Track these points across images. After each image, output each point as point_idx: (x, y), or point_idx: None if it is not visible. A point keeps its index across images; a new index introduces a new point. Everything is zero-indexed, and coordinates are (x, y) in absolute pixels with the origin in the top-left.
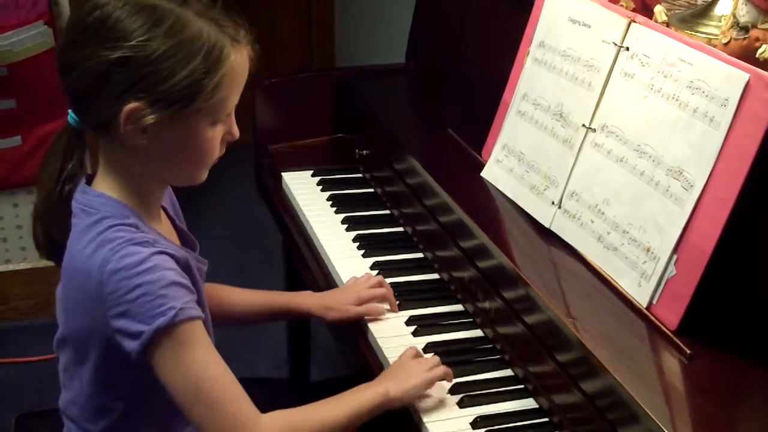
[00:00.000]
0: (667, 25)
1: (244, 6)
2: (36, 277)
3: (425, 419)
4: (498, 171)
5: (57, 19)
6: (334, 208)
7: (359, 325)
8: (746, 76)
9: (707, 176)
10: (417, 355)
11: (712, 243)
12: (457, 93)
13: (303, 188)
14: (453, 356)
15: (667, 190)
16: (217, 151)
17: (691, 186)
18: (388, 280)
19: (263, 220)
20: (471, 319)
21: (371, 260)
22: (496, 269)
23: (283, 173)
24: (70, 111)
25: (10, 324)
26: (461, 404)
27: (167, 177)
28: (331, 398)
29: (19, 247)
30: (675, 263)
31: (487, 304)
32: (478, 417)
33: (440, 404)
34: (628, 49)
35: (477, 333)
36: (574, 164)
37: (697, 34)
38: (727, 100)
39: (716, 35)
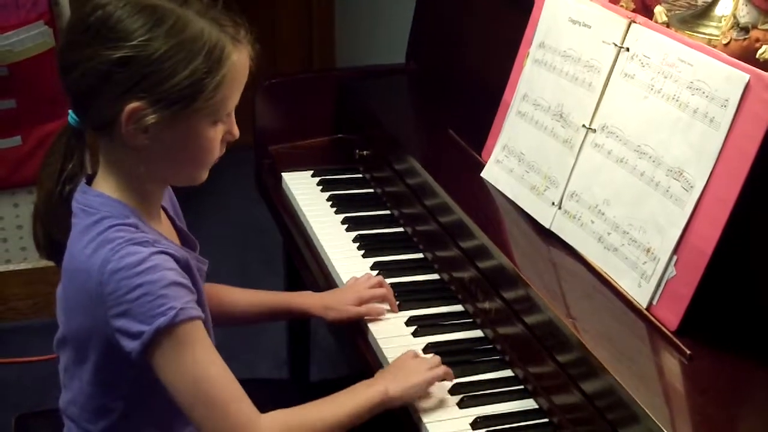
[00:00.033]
0: (668, 26)
1: (244, 6)
2: (36, 277)
3: (425, 419)
4: (498, 171)
5: (57, 19)
6: (334, 209)
7: (359, 326)
8: (746, 76)
9: (707, 177)
10: (417, 356)
11: (712, 244)
12: (457, 93)
13: (303, 188)
14: (453, 357)
15: (667, 191)
16: (217, 151)
17: (692, 186)
18: (388, 281)
19: (263, 221)
20: (471, 320)
21: (371, 260)
22: (496, 270)
23: (283, 173)
24: (70, 111)
25: (10, 324)
26: (461, 404)
27: (167, 177)
28: (330, 397)
29: (19, 247)
30: (675, 264)
31: (487, 305)
32: (478, 417)
33: (440, 404)
34: (628, 49)
35: (477, 333)
36: (574, 165)
37: (698, 34)
38: (727, 100)
39: (716, 36)
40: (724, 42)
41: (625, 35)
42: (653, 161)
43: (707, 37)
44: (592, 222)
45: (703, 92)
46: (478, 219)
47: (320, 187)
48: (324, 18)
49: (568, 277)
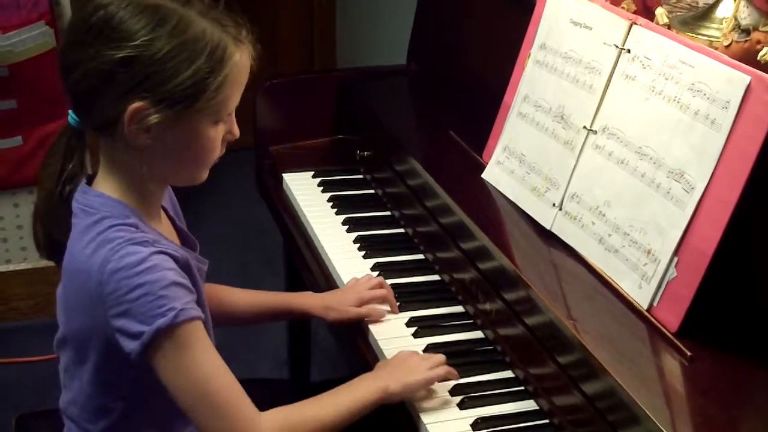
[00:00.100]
0: (669, 28)
1: (245, 6)
2: (36, 277)
3: (425, 420)
4: (499, 172)
5: (58, 19)
6: (335, 209)
7: (360, 326)
8: (747, 78)
9: (708, 178)
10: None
11: (713, 245)
12: (458, 94)
13: (304, 189)
14: (453, 358)
15: (668, 192)
16: (218, 151)
17: (692, 188)
18: (389, 282)
19: (264, 221)
20: (471, 321)
21: (372, 261)
22: (497, 271)
23: (283, 174)
24: (70, 111)
25: (10, 324)
26: (462, 405)
27: (168, 177)
28: (330, 393)
29: (19, 247)
30: (676, 265)
31: (487, 306)
32: (478, 418)
33: (440, 405)
34: (629, 51)
35: (477, 334)
36: (575, 166)
37: (699, 36)
38: (728, 102)
39: (718, 38)
40: (726, 44)
41: (627, 37)
42: (654, 163)
43: (708, 38)
44: (593, 223)
45: (704, 94)
46: (479, 220)
47: (321, 188)
48: (325, 18)
49: (568, 278)
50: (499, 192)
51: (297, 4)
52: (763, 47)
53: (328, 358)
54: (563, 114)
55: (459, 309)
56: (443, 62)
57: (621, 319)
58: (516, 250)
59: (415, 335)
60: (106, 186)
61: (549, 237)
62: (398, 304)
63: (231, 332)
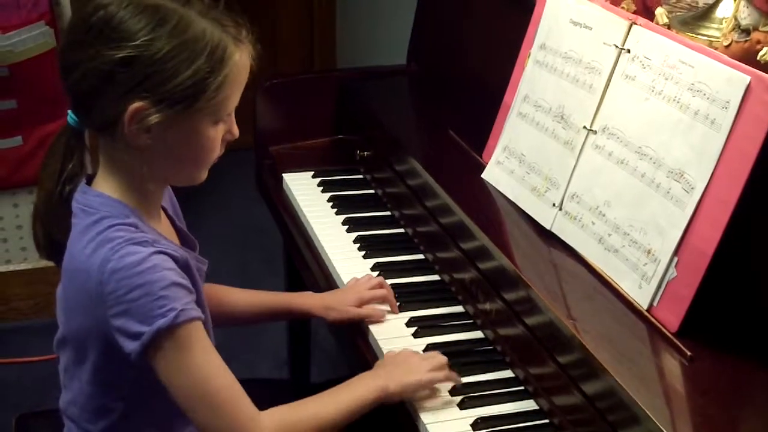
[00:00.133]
0: (669, 28)
1: (245, 6)
2: (36, 277)
3: (425, 420)
4: (499, 172)
5: (58, 19)
6: (335, 209)
7: (360, 326)
8: (747, 78)
9: (708, 178)
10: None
11: (713, 245)
12: (458, 94)
13: (304, 189)
14: (453, 357)
15: (668, 192)
16: (217, 150)
17: (692, 188)
18: (389, 282)
19: (264, 221)
20: (471, 321)
21: (372, 261)
22: (497, 271)
23: (283, 174)
24: (69, 111)
25: (10, 324)
26: (462, 405)
27: (168, 177)
28: (329, 392)
29: (19, 247)
30: (676, 265)
31: (487, 306)
32: (478, 418)
33: (441, 405)
34: (629, 51)
35: (477, 334)
36: (575, 166)
37: (699, 36)
38: (728, 102)
39: (717, 38)
40: (725, 44)
41: (626, 37)
42: (654, 163)
43: (708, 38)
44: (593, 223)
45: (704, 94)
46: (479, 220)
47: (321, 188)
48: (325, 19)
49: (568, 278)
50: (499, 192)
51: (297, 4)
52: (763, 47)
53: (328, 358)
54: (563, 114)
55: (459, 309)
56: (443, 62)
57: (621, 319)
58: (516, 250)
59: (415, 335)
60: (105, 186)
61: (549, 237)
62: (398, 304)
63: (231, 332)
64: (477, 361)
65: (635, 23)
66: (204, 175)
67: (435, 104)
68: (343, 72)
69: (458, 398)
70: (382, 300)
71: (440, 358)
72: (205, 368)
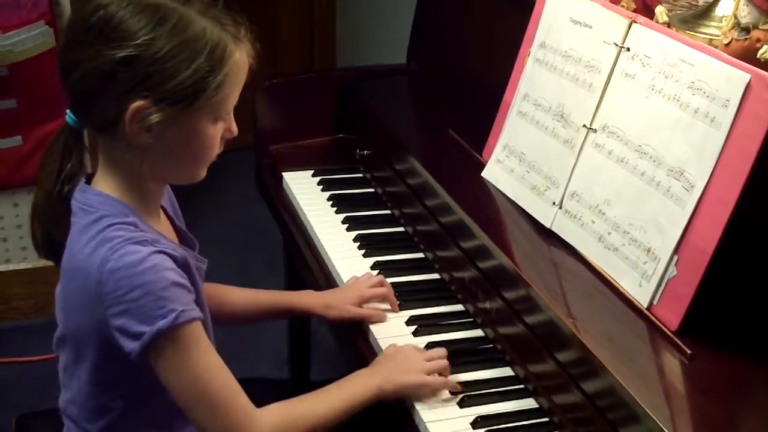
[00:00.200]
0: (668, 26)
1: (244, 5)
2: (36, 276)
3: (425, 419)
4: (499, 171)
5: (58, 19)
6: (335, 208)
7: (360, 325)
8: (747, 76)
9: (708, 177)
10: (421, 351)
11: (713, 243)
12: (458, 93)
13: (303, 188)
14: (454, 356)
15: (667, 191)
16: (217, 149)
17: (692, 186)
18: (389, 280)
19: (264, 220)
20: (471, 319)
21: (372, 260)
22: (497, 269)
23: (283, 173)
24: (68, 111)
25: (10, 324)
26: (461, 404)
27: (168, 175)
28: (326, 389)
29: (19, 247)
30: (676, 264)
31: (487, 305)
32: (478, 417)
33: (440, 404)
34: (629, 49)
35: (477, 333)
36: (574, 165)
37: (698, 34)
38: (728, 100)
39: (717, 36)
40: (725, 42)
41: (626, 35)
42: (654, 161)
43: (708, 37)
44: (593, 222)
45: (704, 92)
46: (479, 219)
47: (321, 187)
48: (325, 18)
49: (568, 276)
50: (499, 191)
51: (297, 4)
52: (762, 45)
53: (328, 358)
54: (563, 112)
55: (459, 308)
56: (443, 61)
57: (621, 318)
58: (516, 249)
59: (415, 334)
60: (105, 185)
61: (549, 236)
62: (398, 302)
63: (231, 332)
64: (477, 360)
65: (635, 22)
66: (203, 173)
67: (435, 103)
68: (343, 71)
69: (458, 397)
70: (382, 298)
71: (440, 362)
72: (205, 368)
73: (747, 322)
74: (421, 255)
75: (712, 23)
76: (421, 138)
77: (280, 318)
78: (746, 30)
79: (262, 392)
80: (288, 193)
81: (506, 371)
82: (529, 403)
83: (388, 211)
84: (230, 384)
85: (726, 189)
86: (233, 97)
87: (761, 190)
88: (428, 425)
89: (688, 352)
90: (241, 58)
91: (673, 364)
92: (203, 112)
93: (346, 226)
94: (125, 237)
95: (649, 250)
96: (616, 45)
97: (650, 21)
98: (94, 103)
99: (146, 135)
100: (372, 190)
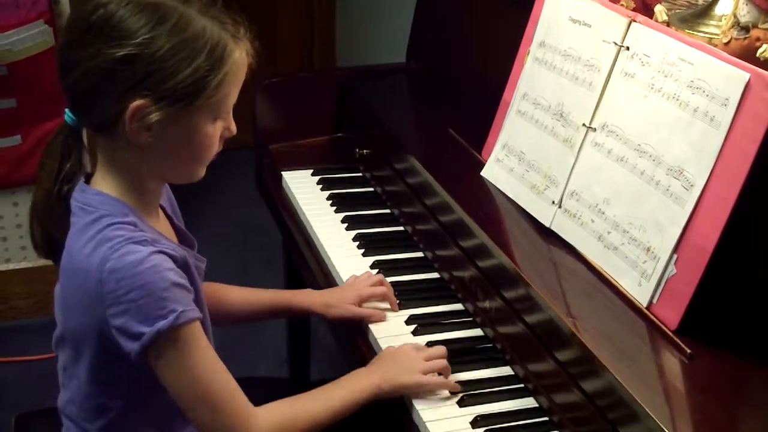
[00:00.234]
0: (668, 25)
1: (243, 5)
2: (36, 276)
3: (425, 418)
4: (498, 170)
5: (57, 18)
6: (334, 207)
7: (359, 324)
8: (747, 75)
9: (707, 176)
10: (420, 350)
11: (713, 242)
12: (457, 92)
13: (303, 187)
14: (453, 355)
15: (667, 190)
16: (216, 147)
17: (692, 185)
18: (389, 279)
19: (263, 220)
20: (471, 319)
21: (371, 259)
22: (497, 269)
23: (283, 172)
24: (66, 110)
25: (9, 323)
26: (461, 403)
27: (168, 174)
28: (324, 388)
29: (19, 246)
30: (675, 263)
31: (487, 304)
32: (477, 416)
33: (440, 403)
34: (628, 48)
35: (477, 332)
36: (574, 164)
37: (698, 33)
38: (727, 99)
39: (717, 35)
40: (725, 41)
41: (626, 34)
42: (653, 160)
43: (708, 36)
44: (592, 221)
45: (704, 91)
46: (478, 218)
47: (320, 186)
48: (324, 17)
49: (568, 276)
50: (499, 190)
51: (297, 4)
52: (762, 44)
53: (327, 357)
54: (562, 111)
55: (458, 307)
56: (442, 60)
57: (620, 317)
58: (515, 248)
59: (415, 333)
60: (104, 184)
61: (548, 235)
62: (398, 301)
63: (231, 331)
64: (476, 359)
65: (634, 20)
66: (202, 172)
67: (434, 102)
68: (342, 70)
69: (458, 396)
70: (382, 297)
71: (439, 361)
72: (204, 368)
73: (747, 321)
74: (420, 254)
75: (712, 22)
76: (420, 137)
77: (279, 317)
78: (746, 29)
79: (261, 392)
80: (287, 192)
81: (506, 370)
82: (529, 402)
83: (388, 211)
84: (229, 384)
85: (725, 188)
86: (233, 96)
87: (761, 188)
88: (428, 424)
89: (688, 351)
90: (240, 57)
91: (672, 363)
92: (203, 111)
93: (346, 225)
94: (125, 236)
95: (648, 249)
96: (616, 44)
97: (649, 20)
98: (93, 103)
99: (146, 134)
100: (371, 189)
